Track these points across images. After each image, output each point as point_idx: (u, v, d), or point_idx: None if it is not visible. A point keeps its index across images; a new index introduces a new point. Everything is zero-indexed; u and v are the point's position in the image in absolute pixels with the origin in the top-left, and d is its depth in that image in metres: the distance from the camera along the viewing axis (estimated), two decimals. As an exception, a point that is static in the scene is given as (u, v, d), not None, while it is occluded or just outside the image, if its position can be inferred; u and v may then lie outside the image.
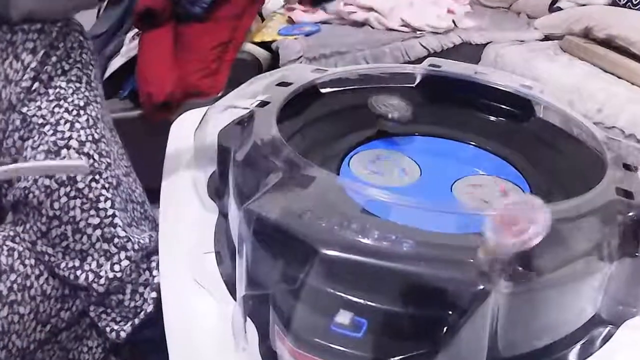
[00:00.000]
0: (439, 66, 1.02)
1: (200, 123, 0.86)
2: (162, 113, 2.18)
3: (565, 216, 0.61)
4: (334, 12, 2.90)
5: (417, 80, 1.02)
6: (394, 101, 0.94)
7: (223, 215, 0.79)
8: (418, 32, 2.82)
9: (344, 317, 0.48)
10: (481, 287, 0.46)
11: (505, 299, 0.52)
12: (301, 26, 2.75)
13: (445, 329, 0.47)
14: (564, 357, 0.63)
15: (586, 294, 0.64)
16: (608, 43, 2.71)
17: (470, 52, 2.95)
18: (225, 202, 0.77)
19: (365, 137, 0.91)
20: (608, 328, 0.67)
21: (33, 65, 0.89)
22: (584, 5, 3.22)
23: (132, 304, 0.93)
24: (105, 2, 2.93)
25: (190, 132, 0.89)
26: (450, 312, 0.48)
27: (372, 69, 1.01)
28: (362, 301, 0.49)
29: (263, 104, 0.78)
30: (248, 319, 0.56)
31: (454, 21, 2.94)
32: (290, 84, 0.86)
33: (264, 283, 0.54)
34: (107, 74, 2.39)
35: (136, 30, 2.45)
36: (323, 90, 0.94)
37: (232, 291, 0.66)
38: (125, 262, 0.92)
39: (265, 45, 2.61)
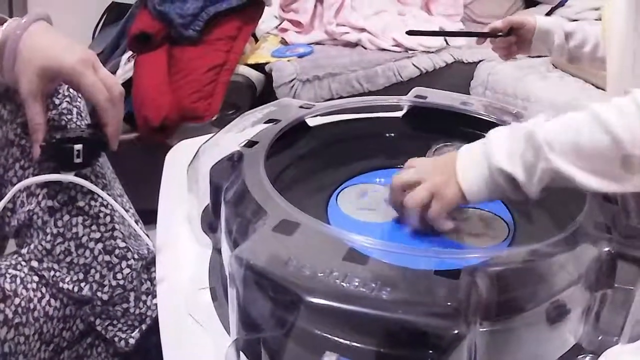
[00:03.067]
0: (424, 97, 1.05)
1: (192, 159, 0.89)
2: (159, 136, 2.22)
3: (543, 254, 0.63)
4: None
5: (404, 111, 1.05)
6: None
7: (217, 250, 0.82)
8: (410, 52, 2.85)
9: (330, 358, 0.50)
10: (456, 331, 0.49)
11: (483, 337, 0.55)
12: (294, 47, 2.78)
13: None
14: None
15: (566, 326, 0.66)
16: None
17: (463, 70, 2.97)
18: (219, 236, 0.79)
19: (352, 172, 0.94)
20: (588, 357, 0.69)
21: None
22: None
23: (137, 311, 0.99)
24: (102, 23, 3.04)
25: (184, 164, 0.92)
26: (428, 353, 0.50)
27: (358, 102, 1.03)
28: (346, 342, 0.51)
29: (251, 144, 0.81)
30: (242, 354, 0.59)
31: (446, 40, 2.96)
32: (278, 121, 0.89)
33: (255, 323, 0.57)
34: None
35: (130, 52, 2.50)
36: (311, 124, 0.97)
37: (227, 326, 0.69)
38: (126, 270, 0.98)
39: (259, 67, 2.64)
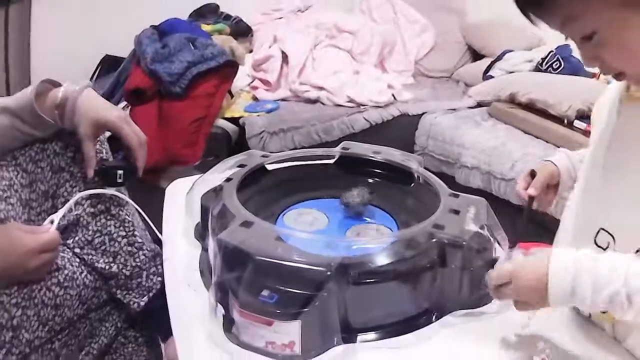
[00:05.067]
0: (348, 149, 1.48)
1: (189, 190, 1.33)
2: (150, 177, 2.59)
3: (399, 239, 1.07)
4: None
5: (335, 159, 1.48)
6: (356, 191, 1.33)
7: (204, 249, 1.24)
8: (362, 107, 3.13)
9: (265, 293, 0.94)
10: (328, 273, 0.93)
11: (349, 289, 0.97)
12: (264, 103, 3.09)
13: (308, 300, 0.94)
14: (398, 333, 1.04)
15: (415, 291, 1.05)
16: (531, 106, 3.01)
17: (408, 122, 3.24)
18: (206, 241, 1.21)
19: (296, 200, 1.37)
20: (434, 316, 1.08)
21: (72, 142, 1.35)
22: (512, 72, 3.52)
23: (147, 284, 1.42)
24: (97, 73, 3.39)
25: (181, 195, 1.37)
26: (312, 290, 0.94)
27: (303, 152, 1.48)
28: (274, 285, 0.94)
29: (228, 179, 1.25)
30: (218, 304, 1.01)
31: (393, 95, 3.26)
32: (245, 165, 1.33)
33: (227, 278, 0.99)
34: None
35: (125, 102, 2.83)
36: (269, 168, 1.41)
37: (208, 290, 1.10)
38: (142, 257, 1.40)
39: (234, 120, 2.95)
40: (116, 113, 1.32)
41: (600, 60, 0.96)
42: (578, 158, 1.31)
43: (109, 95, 2.99)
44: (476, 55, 4.12)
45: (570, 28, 0.95)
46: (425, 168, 2.95)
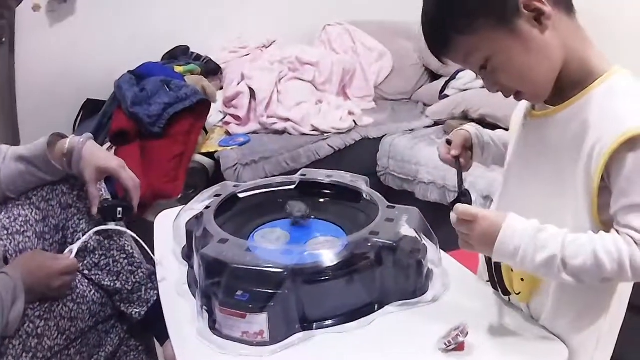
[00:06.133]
0: (305, 175, 1.75)
1: (175, 217, 1.60)
2: (137, 212, 2.79)
3: (342, 245, 1.33)
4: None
5: (295, 184, 1.74)
6: (298, 204, 1.57)
7: (191, 267, 1.51)
8: (325, 134, 3.31)
9: (239, 292, 1.21)
10: (285, 273, 1.21)
11: (303, 286, 1.24)
12: (236, 137, 3.27)
13: (271, 296, 1.21)
14: (346, 321, 1.28)
15: (357, 287, 1.30)
16: (482, 121, 3.12)
17: (370, 144, 3.42)
18: (192, 260, 1.48)
19: (264, 221, 1.62)
20: (377, 306, 1.32)
21: (77, 184, 1.62)
22: (465, 90, 3.64)
23: (145, 297, 1.67)
24: (80, 117, 3.52)
25: (167, 224, 1.64)
26: (274, 288, 1.21)
27: (267, 180, 1.75)
28: (246, 286, 1.22)
29: (207, 207, 1.53)
30: (203, 308, 1.28)
31: (354, 121, 3.43)
32: (220, 195, 1.61)
33: (210, 284, 1.27)
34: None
35: (109, 143, 2.99)
36: (240, 196, 1.68)
37: (195, 297, 1.36)
38: (141, 274, 1.66)
39: (210, 154, 3.14)
40: (116, 162, 1.60)
41: (499, 84, 1.19)
42: (488, 132, 1.53)
43: (94, 137, 3.07)
44: (434, 76, 4.25)
45: (470, 61, 1.18)
46: (388, 186, 3.21)
